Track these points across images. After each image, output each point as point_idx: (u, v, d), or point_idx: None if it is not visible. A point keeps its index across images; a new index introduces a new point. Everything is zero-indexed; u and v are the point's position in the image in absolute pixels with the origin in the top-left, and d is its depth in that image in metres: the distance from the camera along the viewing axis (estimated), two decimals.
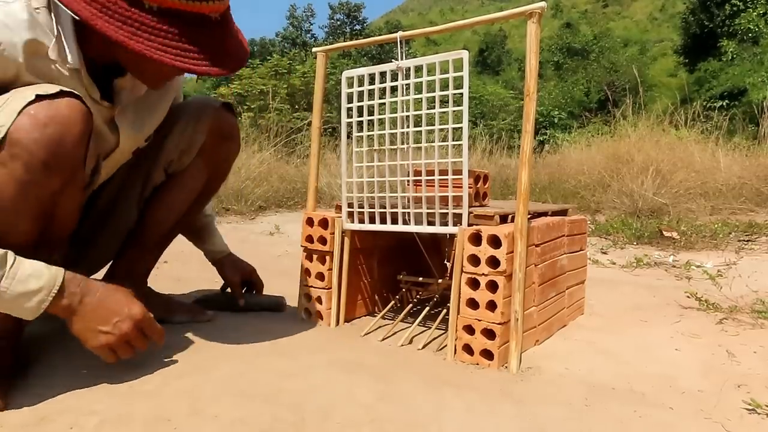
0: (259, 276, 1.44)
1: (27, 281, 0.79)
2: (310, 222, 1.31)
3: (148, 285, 1.30)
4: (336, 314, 1.29)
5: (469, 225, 1.09)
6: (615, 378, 1.00)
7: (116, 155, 1.07)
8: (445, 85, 1.09)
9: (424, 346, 1.14)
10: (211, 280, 1.76)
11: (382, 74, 1.17)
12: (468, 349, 1.07)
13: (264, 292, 1.45)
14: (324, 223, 1.29)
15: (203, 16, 0.86)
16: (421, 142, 1.14)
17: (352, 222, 1.25)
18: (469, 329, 1.06)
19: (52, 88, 0.82)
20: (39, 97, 0.80)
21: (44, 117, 0.79)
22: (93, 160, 0.99)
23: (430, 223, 1.14)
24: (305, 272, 1.33)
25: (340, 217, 1.27)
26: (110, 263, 1.24)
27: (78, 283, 0.86)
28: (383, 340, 1.20)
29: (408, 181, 1.21)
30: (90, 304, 0.86)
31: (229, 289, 1.43)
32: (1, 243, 0.81)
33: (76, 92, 0.85)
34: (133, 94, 1.04)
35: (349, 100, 1.22)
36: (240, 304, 1.39)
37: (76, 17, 0.82)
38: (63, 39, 0.88)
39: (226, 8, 0.91)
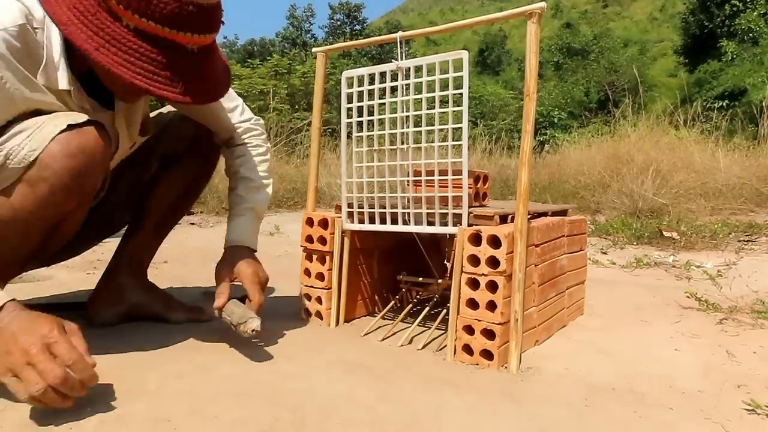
0: (258, 288, 1.11)
1: None
2: (310, 222, 1.31)
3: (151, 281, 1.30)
4: (336, 314, 1.29)
5: (469, 225, 1.09)
6: (615, 378, 1.00)
7: (115, 156, 1.11)
8: (444, 86, 1.09)
9: (423, 347, 1.14)
10: (211, 279, 1.76)
11: (382, 74, 1.17)
12: (468, 349, 1.07)
13: (264, 293, 1.43)
14: (324, 224, 1.29)
15: (179, 45, 0.87)
16: (421, 143, 1.14)
17: (352, 222, 1.25)
18: (469, 329, 1.06)
19: (81, 117, 0.88)
20: (70, 127, 0.86)
21: (75, 147, 0.86)
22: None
23: (430, 224, 1.14)
24: (305, 272, 1.33)
25: (340, 217, 1.27)
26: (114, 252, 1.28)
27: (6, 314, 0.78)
28: (383, 340, 1.20)
29: (408, 181, 1.21)
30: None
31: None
32: (8, 254, 0.90)
33: (101, 121, 0.91)
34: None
35: (349, 100, 1.22)
36: (202, 314, 1.14)
37: (51, 20, 0.84)
38: (53, 61, 0.89)
39: (209, 43, 0.91)
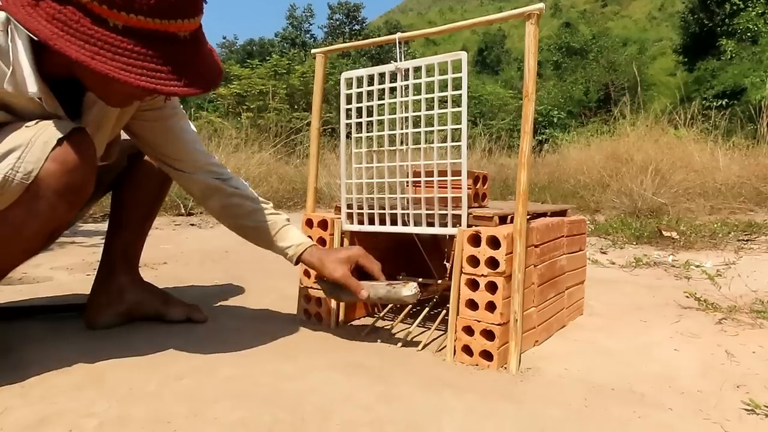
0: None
1: None
2: (309, 223, 1.31)
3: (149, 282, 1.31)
4: (335, 315, 1.29)
5: (468, 226, 1.09)
6: (614, 378, 1.00)
7: None
8: (444, 86, 1.10)
9: (423, 347, 1.14)
10: (211, 280, 1.76)
11: (381, 75, 1.17)
12: (467, 350, 1.07)
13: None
14: (323, 224, 1.29)
15: (171, 35, 0.82)
16: (420, 143, 1.14)
17: (352, 223, 1.25)
18: (469, 330, 1.06)
19: (65, 126, 0.88)
20: (59, 141, 0.86)
21: (72, 162, 0.87)
22: None
23: (430, 225, 1.14)
24: (305, 273, 1.33)
25: (340, 218, 1.27)
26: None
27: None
28: (383, 341, 1.20)
29: (407, 182, 1.21)
30: None
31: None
32: (7, 265, 0.95)
33: (82, 126, 0.91)
34: (101, 108, 1.01)
35: (348, 101, 1.22)
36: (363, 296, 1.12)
37: (35, 38, 0.78)
38: (21, 67, 0.86)
39: (197, 28, 0.87)
